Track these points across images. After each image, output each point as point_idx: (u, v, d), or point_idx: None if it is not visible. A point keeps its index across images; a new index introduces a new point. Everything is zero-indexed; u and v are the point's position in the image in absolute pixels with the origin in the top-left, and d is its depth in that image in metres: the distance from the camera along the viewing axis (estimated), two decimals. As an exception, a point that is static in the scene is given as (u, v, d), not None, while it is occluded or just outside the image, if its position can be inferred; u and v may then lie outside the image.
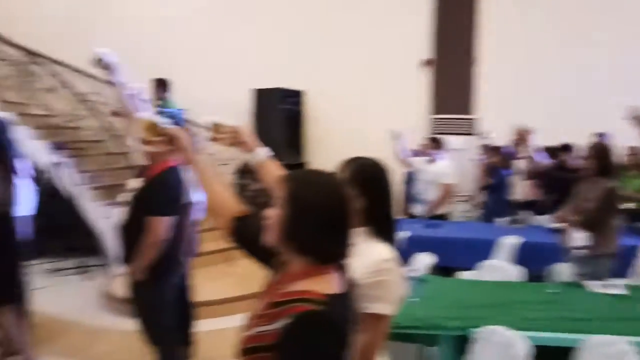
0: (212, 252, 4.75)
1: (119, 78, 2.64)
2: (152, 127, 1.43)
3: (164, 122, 1.44)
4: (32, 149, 4.08)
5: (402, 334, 2.47)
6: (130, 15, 6.96)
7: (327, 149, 6.64)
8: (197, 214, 3.23)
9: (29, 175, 3.49)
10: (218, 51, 6.96)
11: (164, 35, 6.79)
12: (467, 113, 6.80)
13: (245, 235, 1.43)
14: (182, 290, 3.03)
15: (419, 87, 6.83)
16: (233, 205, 1.48)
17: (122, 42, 5.63)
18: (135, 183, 2.69)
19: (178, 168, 2.70)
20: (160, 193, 2.61)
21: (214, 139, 1.69)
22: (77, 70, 5.96)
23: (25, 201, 3.36)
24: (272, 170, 1.69)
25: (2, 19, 5.81)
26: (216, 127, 1.68)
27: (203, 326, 3.43)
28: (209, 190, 1.50)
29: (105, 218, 5.13)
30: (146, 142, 1.44)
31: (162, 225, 2.59)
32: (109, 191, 5.23)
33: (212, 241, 4.21)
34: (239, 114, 6.36)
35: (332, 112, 6.85)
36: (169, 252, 2.70)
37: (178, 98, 5.34)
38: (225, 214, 1.46)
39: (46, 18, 6.69)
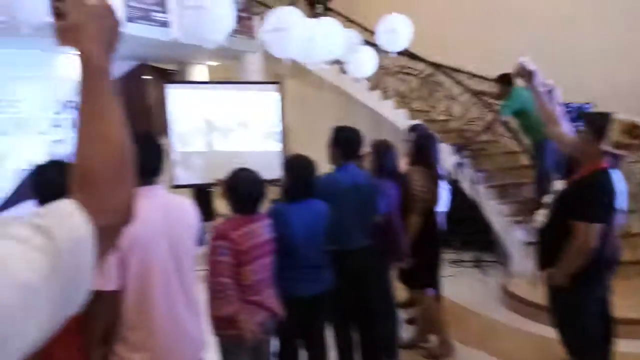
0: (627, 264, 4.18)
1: (539, 84, 2.61)
2: (631, 129, 1.32)
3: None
4: (441, 152, 4.54)
5: None
6: (526, 17, 6.84)
7: None
8: (620, 220, 2.90)
9: (444, 176, 3.91)
10: (625, 42, 6.07)
11: (564, 34, 6.38)
12: None
13: None
14: (603, 303, 2.77)
15: None
16: None
17: (518, 43, 5.66)
18: (559, 185, 2.61)
19: (610, 170, 2.47)
20: (591, 197, 2.43)
21: None
22: (475, 75, 6.32)
23: (442, 199, 3.79)
24: None
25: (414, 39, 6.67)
26: None
27: (620, 346, 3.06)
28: None
29: (501, 216, 5.27)
30: (621, 146, 1.34)
31: (591, 232, 2.42)
32: (505, 190, 5.33)
33: (627, 250, 3.70)
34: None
35: None
36: (594, 260, 2.51)
37: (579, 93, 4.95)
38: None
39: (447, 32, 7.32)
